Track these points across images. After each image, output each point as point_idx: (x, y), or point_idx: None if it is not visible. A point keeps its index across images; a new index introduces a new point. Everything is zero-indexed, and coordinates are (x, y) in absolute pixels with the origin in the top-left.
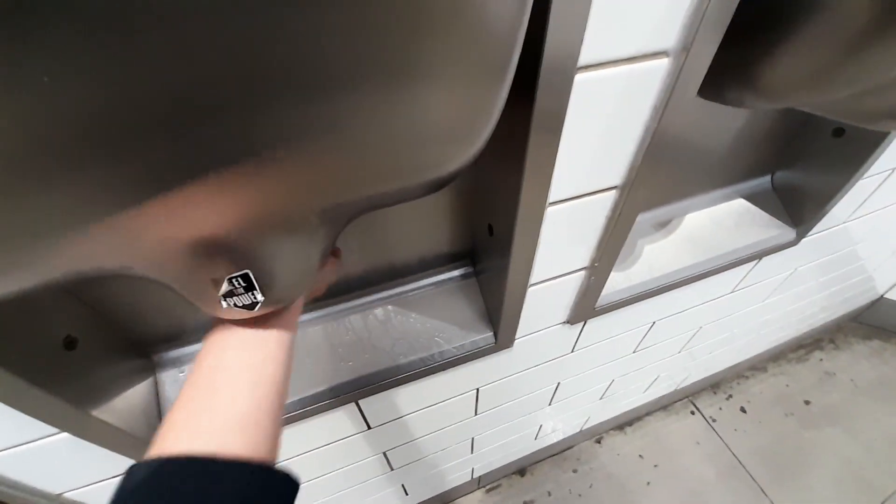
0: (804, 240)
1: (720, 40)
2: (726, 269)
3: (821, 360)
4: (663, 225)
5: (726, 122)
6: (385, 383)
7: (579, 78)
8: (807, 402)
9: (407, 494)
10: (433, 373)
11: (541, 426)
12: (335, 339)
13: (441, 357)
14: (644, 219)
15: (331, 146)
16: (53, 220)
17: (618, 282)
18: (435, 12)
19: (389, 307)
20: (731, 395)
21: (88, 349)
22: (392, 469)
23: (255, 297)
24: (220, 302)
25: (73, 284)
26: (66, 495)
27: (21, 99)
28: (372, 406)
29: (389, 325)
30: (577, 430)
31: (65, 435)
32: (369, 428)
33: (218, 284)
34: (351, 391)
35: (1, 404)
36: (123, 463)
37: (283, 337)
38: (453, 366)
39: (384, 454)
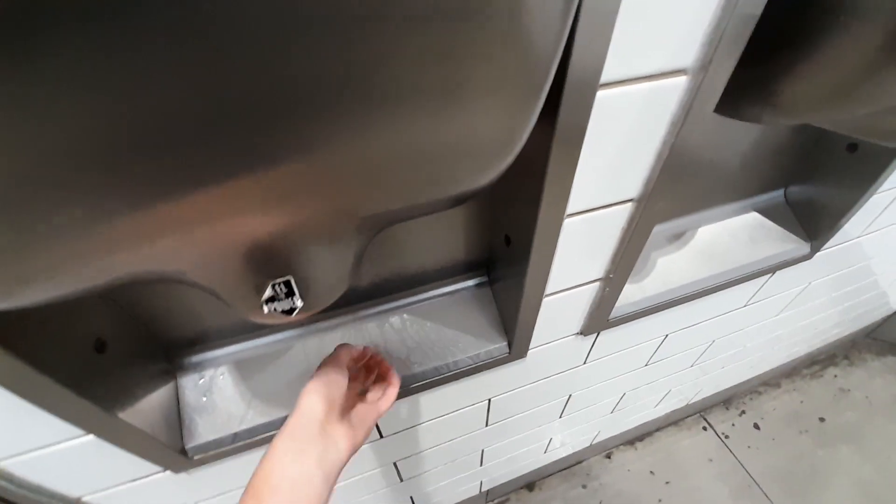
0: (818, 254)
1: (738, 58)
2: (740, 283)
3: (835, 376)
4: (677, 237)
5: (740, 136)
6: (399, 391)
7: (601, 94)
8: (821, 420)
9: None
10: (447, 382)
11: (550, 439)
12: None
13: (455, 366)
14: (659, 231)
15: (378, 160)
16: (129, 228)
17: (631, 294)
18: (484, 42)
19: (405, 315)
20: (744, 411)
21: (117, 352)
22: (402, 480)
23: (294, 303)
24: (261, 307)
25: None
26: (85, 499)
27: (101, 106)
28: (386, 414)
29: (405, 333)
30: (587, 444)
31: (90, 437)
32: (381, 437)
33: (261, 290)
34: None
35: (31, 405)
36: (143, 466)
37: (333, 471)
38: (467, 375)
39: (395, 464)
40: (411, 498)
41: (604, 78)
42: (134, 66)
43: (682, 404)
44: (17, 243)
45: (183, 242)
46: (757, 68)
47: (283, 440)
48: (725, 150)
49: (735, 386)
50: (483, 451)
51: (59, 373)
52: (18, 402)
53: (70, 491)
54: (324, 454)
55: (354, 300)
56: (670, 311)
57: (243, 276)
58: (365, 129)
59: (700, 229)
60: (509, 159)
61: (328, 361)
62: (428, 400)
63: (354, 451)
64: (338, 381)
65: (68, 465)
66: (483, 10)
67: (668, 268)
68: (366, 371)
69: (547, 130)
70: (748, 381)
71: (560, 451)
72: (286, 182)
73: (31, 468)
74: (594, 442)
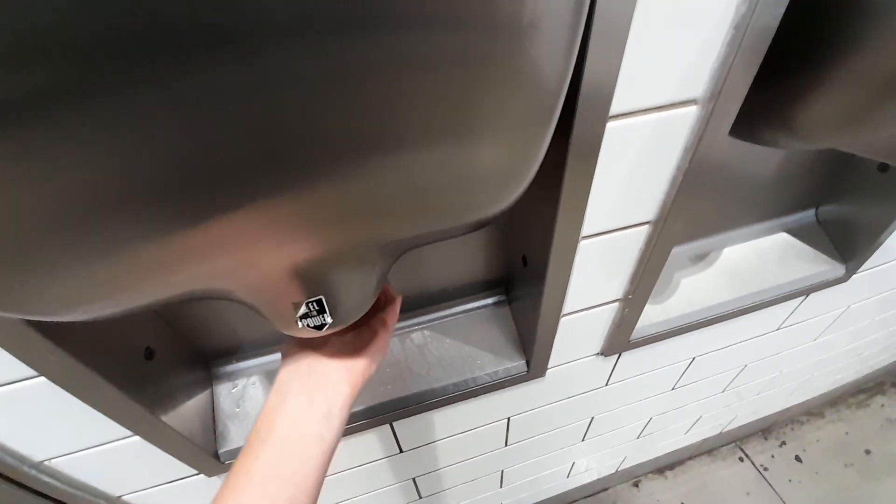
0: (856, 276)
1: (749, 86)
2: (770, 305)
3: (882, 405)
4: (701, 258)
5: (766, 155)
6: (419, 406)
7: (611, 125)
8: (867, 452)
9: None
10: (466, 398)
11: (573, 463)
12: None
13: (474, 383)
14: (681, 251)
15: (396, 194)
16: (192, 254)
17: (654, 315)
18: (491, 85)
19: (426, 332)
20: (784, 442)
21: (163, 360)
22: (420, 497)
23: (325, 319)
24: (296, 322)
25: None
26: (125, 498)
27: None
28: (405, 429)
29: (426, 349)
30: (613, 470)
31: (136, 438)
32: (401, 451)
33: (297, 308)
34: (386, 412)
35: (84, 407)
36: (179, 468)
37: (333, 409)
38: (485, 392)
39: (413, 480)
40: None
41: (613, 110)
42: (194, 118)
43: (716, 432)
44: (90, 266)
45: (233, 267)
46: (771, 93)
47: (270, 397)
48: (750, 169)
49: (774, 414)
50: (503, 471)
51: (113, 376)
52: (73, 404)
53: (113, 490)
54: (316, 393)
55: None
56: (696, 333)
57: (282, 296)
58: (384, 168)
59: (726, 250)
60: (521, 189)
61: None
62: (447, 416)
63: (357, 383)
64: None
65: (113, 464)
66: (487, 55)
67: (692, 288)
68: None
69: (560, 159)
70: (788, 409)
71: (584, 477)
72: (318, 215)
73: (79, 466)
74: (620, 468)
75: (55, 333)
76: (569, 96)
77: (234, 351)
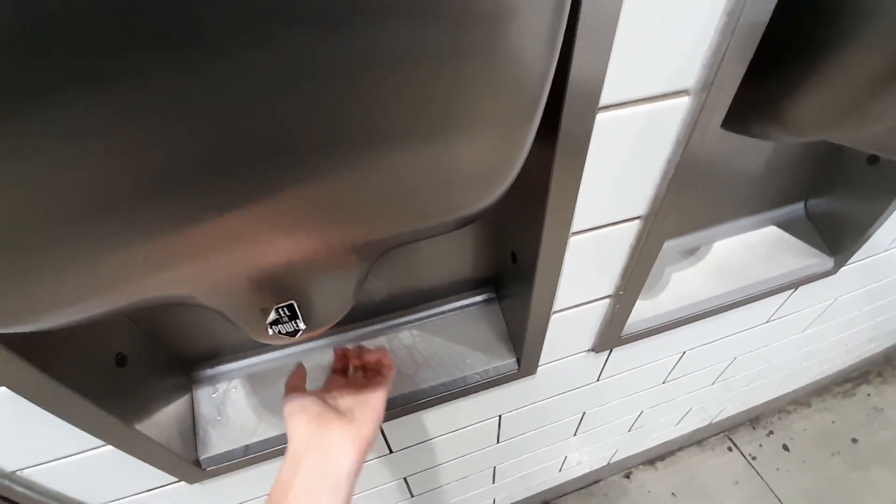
0: (844, 268)
1: (741, 78)
2: (760, 299)
3: (868, 394)
4: (692, 253)
5: (754, 149)
6: (409, 406)
7: (600, 117)
8: (854, 441)
9: None
10: (456, 398)
11: (566, 457)
12: None
13: (464, 383)
14: (671, 246)
15: (370, 194)
16: (144, 259)
17: (644, 310)
18: (469, 80)
19: (415, 331)
20: (772, 432)
21: (136, 367)
22: (412, 496)
23: (297, 326)
24: (266, 329)
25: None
26: None
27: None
28: (394, 429)
29: (414, 349)
30: (605, 463)
31: (109, 448)
32: (391, 452)
33: (266, 313)
34: None
35: (54, 417)
36: (158, 476)
37: (340, 479)
38: (476, 391)
39: (405, 479)
40: None
41: (603, 101)
42: (151, 123)
43: (706, 423)
44: (43, 274)
45: (193, 271)
46: (762, 86)
47: (283, 475)
48: (740, 163)
49: (762, 405)
50: (495, 468)
51: (80, 386)
52: (41, 414)
53: (89, 499)
54: (326, 469)
55: (365, 316)
56: (687, 328)
57: (249, 301)
58: (356, 166)
59: (716, 244)
60: (503, 187)
61: (289, 389)
62: (438, 415)
63: (363, 447)
64: (311, 400)
65: (88, 474)
66: (463, 48)
67: (682, 283)
68: (358, 369)
69: (548, 152)
70: (776, 399)
71: (576, 470)
72: (284, 216)
73: (52, 477)
74: (612, 461)
75: (17, 344)
76: (556, 87)
77: (213, 355)
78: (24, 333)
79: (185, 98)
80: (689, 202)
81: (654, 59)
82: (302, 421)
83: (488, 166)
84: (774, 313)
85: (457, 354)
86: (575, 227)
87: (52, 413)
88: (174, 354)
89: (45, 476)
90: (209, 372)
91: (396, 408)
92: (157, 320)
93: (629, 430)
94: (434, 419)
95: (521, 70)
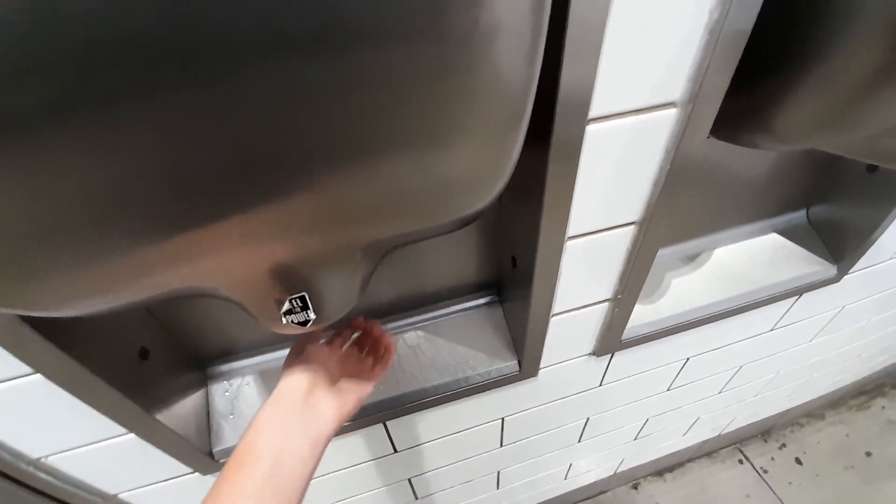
0: (848, 276)
1: (726, 89)
2: (762, 305)
3: (883, 407)
4: (692, 259)
5: (755, 157)
6: (413, 405)
7: (590, 128)
8: (868, 454)
9: None
10: (459, 398)
11: (571, 465)
12: None
13: (467, 383)
14: (671, 252)
15: (371, 199)
16: (178, 253)
17: (645, 315)
18: (455, 95)
19: (419, 333)
20: (784, 445)
21: (158, 360)
22: (417, 498)
23: (308, 316)
24: (280, 318)
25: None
26: (121, 496)
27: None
28: (399, 428)
29: (419, 350)
30: (611, 472)
31: (131, 436)
32: (396, 451)
33: (281, 304)
34: (380, 412)
35: (82, 404)
36: (174, 466)
37: (319, 439)
38: (478, 392)
39: (409, 481)
40: None
41: (592, 114)
42: (176, 134)
43: (715, 434)
44: (79, 263)
45: (218, 265)
46: (748, 95)
47: (266, 410)
48: (738, 171)
49: (774, 416)
50: (500, 472)
51: (108, 375)
52: (70, 401)
53: (109, 488)
54: (309, 423)
55: (373, 316)
56: (689, 334)
57: (266, 292)
58: (357, 173)
59: (717, 251)
60: (496, 189)
61: (301, 339)
62: (441, 416)
63: (343, 420)
64: (316, 355)
65: (109, 462)
66: (446, 66)
67: (683, 289)
68: (360, 339)
69: (541, 161)
70: (788, 411)
71: (582, 478)
72: (295, 220)
73: (75, 464)
74: (619, 470)
75: (52, 332)
76: (547, 100)
77: (228, 352)
78: (58, 324)
79: (216, 114)
80: (684, 208)
81: (639, 73)
82: (299, 369)
83: (479, 172)
84: (779, 321)
85: (460, 355)
86: (570, 231)
87: (82, 400)
88: (192, 350)
89: (69, 463)
90: (224, 368)
91: (401, 406)
92: (177, 317)
93: (635, 439)
94: (438, 419)
95: (503, 85)
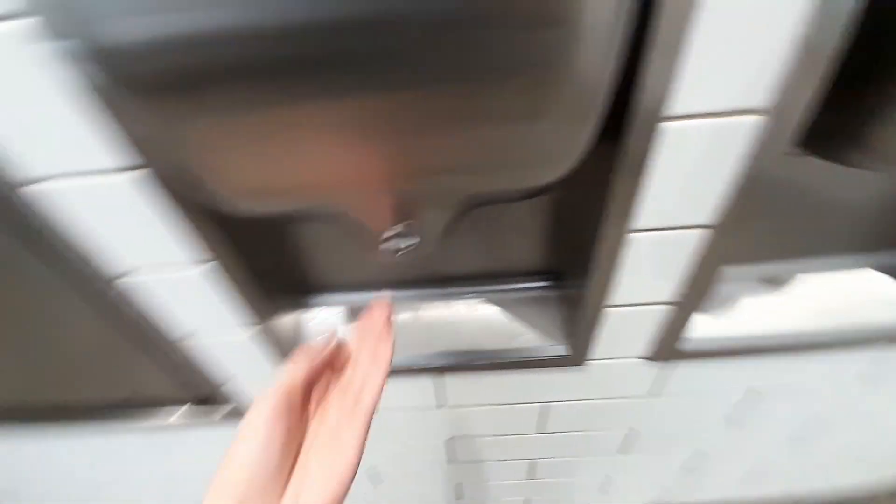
0: None
1: (817, 100)
2: (854, 347)
3: None
4: (769, 280)
5: (855, 182)
6: (463, 364)
7: (665, 125)
8: None
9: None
10: (507, 368)
11: (607, 475)
12: (428, 318)
13: (517, 354)
14: (747, 272)
15: (477, 154)
16: (338, 178)
17: (708, 327)
18: (539, 79)
19: (479, 301)
20: None
21: (282, 280)
22: (452, 462)
23: (410, 241)
24: (387, 242)
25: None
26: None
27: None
28: (447, 383)
29: (476, 314)
30: (650, 501)
31: (258, 328)
32: (441, 406)
33: (388, 229)
34: (433, 364)
35: (237, 297)
36: (264, 360)
37: None
38: (526, 367)
39: (447, 441)
40: (461, 484)
41: (668, 111)
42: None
43: (778, 493)
44: (272, 171)
45: (352, 192)
46: (846, 110)
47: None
48: (834, 195)
49: (861, 497)
50: (535, 461)
51: (253, 277)
52: (231, 292)
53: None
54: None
55: (440, 282)
56: (756, 360)
57: (384, 217)
58: (471, 137)
59: (801, 276)
60: (566, 167)
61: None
62: (487, 382)
63: (348, 480)
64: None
65: (236, 353)
66: (535, 58)
67: (755, 310)
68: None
69: (612, 151)
70: (883, 490)
71: (618, 499)
72: (428, 163)
73: (213, 352)
74: (659, 502)
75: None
76: (626, 94)
77: (322, 288)
78: (233, 226)
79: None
80: (766, 225)
81: (723, 76)
82: (266, 431)
83: (553, 149)
84: (875, 372)
85: (513, 329)
86: (636, 225)
87: (237, 293)
88: (297, 280)
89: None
90: (317, 299)
91: (453, 362)
92: (291, 253)
93: (681, 468)
94: (484, 384)
95: (580, 77)
